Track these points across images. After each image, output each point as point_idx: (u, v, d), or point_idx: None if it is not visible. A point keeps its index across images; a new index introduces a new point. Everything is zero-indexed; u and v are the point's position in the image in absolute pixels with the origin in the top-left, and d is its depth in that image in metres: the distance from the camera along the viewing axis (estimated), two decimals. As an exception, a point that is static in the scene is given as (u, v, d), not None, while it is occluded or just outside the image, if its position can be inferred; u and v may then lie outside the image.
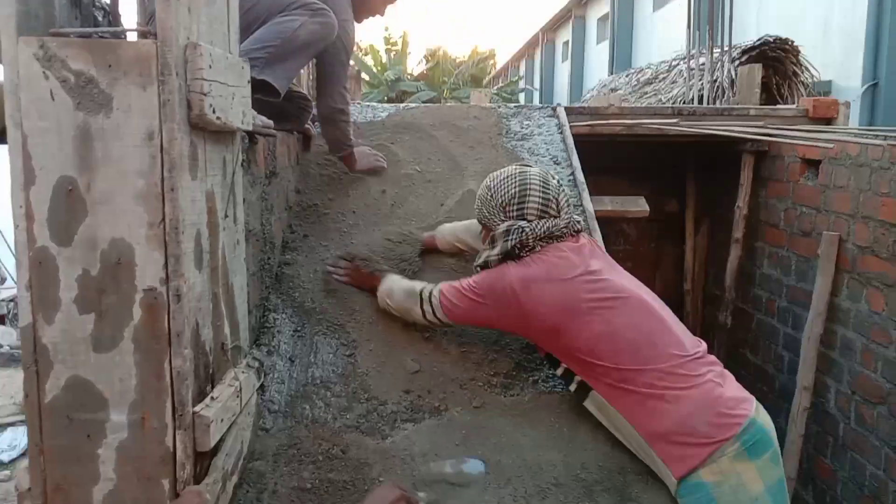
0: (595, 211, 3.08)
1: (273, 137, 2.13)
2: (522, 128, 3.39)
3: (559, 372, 2.09)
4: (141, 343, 1.53)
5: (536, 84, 27.97)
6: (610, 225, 5.04)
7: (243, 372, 1.90)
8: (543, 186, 2.09)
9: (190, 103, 1.52)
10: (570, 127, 3.56)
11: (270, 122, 2.14)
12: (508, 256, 2.07)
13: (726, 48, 5.78)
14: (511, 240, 2.04)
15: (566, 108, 3.57)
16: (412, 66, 26.75)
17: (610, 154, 3.88)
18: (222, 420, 1.67)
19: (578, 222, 2.14)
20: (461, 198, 2.82)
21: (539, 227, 2.04)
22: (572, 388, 2.06)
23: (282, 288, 2.45)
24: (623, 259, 5.05)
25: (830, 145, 3.05)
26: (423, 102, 22.75)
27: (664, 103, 6.06)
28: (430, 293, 2.18)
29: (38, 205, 1.49)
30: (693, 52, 5.57)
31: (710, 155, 3.53)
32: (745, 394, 1.94)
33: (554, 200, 2.08)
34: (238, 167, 1.92)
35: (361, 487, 1.89)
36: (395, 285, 2.29)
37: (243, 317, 1.98)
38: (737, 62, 5.82)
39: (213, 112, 1.59)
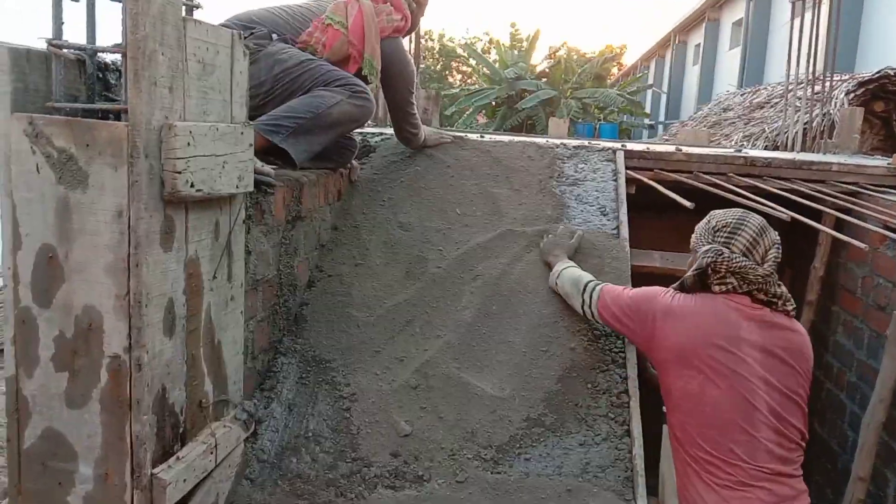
0: (640, 267, 2.95)
1: (272, 188, 2.17)
2: (576, 171, 3.27)
3: None
4: (107, 405, 1.61)
5: (665, 87, 27.00)
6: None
7: (226, 426, 1.95)
8: (760, 231, 2.11)
9: (164, 181, 1.58)
10: (634, 172, 3.42)
11: (271, 172, 2.18)
12: (703, 276, 2.09)
13: (842, 78, 5.34)
14: (707, 258, 2.06)
15: (628, 152, 3.42)
16: (537, 63, 26.51)
17: (690, 191, 3.65)
18: (185, 480, 1.72)
19: (779, 285, 2.06)
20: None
21: (735, 259, 2.04)
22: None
23: (297, 330, 2.50)
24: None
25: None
26: (541, 101, 22.68)
27: (766, 134, 5.69)
28: (594, 288, 2.37)
29: (24, 268, 1.60)
30: (791, 83, 5.14)
31: (791, 205, 3.26)
32: None
33: (762, 248, 2.09)
34: (237, 226, 1.97)
35: (327, 553, 1.91)
36: (566, 271, 2.53)
37: (235, 370, 2.03)
38: (851, 95, 5.38)
39: (192, 186, 1.64)
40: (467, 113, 23.81)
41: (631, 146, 3.59)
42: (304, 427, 2.22)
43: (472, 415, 2.25)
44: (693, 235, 2.24)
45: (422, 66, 35.29)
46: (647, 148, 3.63)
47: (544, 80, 24.91)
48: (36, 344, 1.62)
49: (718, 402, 1.96)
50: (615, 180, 3.21)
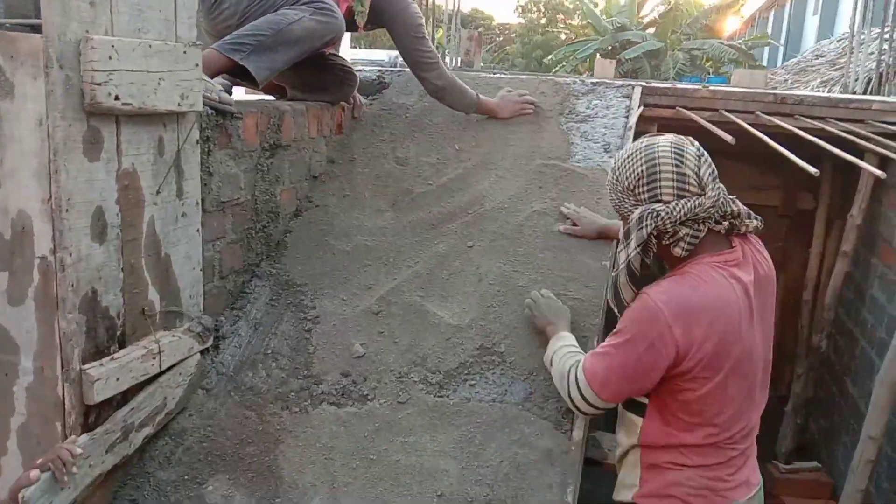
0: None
1: (230, 114, 2.22)
2: (588, 108, 3.16)
3: None
4: (40, 303, 1.73)
5: (783, 38, 25.30)
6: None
7: (175, 336, 2.06)
8: (677, 158, 1.69)
9: (83, 92, 1.66)
10: (653, 109, 3.28)
11: (230, 100, 2.23)
12: (647, 250, 1.71)
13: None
14: (645, 226, 1.67)
15: (649, 89, 3.26)
16: (648, 12, 25.46)
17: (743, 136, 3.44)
18: (118, 379, 1.84)
19: (732, 202, 1.72)
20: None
21: (678, 208, 1.65)
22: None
23: (276, 255, 2.58)
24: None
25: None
26: (646, 53, 21.78)
27: (843, 79, 5.24)
28: (576, 373, 1.82)
29: (-34, 174, 1.73)
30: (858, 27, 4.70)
31: (845, 150, 3.01)
32: (754, 479, 1.83)
33: (693, 175, 1.67)
34: (189, 145, 2.04)
35: (263, 460, 2.00)
36: (556, 356, 1.97)
37: (191, 284, 2.13)
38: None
39: (117, 99, 1.71)
40: (569, 67, 23.21)
41: (655, 83, 3.42)
42: (266, 345, 2.30)
43: (426, 341, 2.26)
44: (610, 201, 1.84)
45: (523, 19, 34.68)
46: (672, 85, 3.44)
47: (651, 30, 23.93)
48: (-20, 245, 1.76)
49: (736, 395, 1.71)
50: (626, 117, 3.08)
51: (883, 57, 4.27)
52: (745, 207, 1.77)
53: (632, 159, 1.74)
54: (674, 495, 1.75)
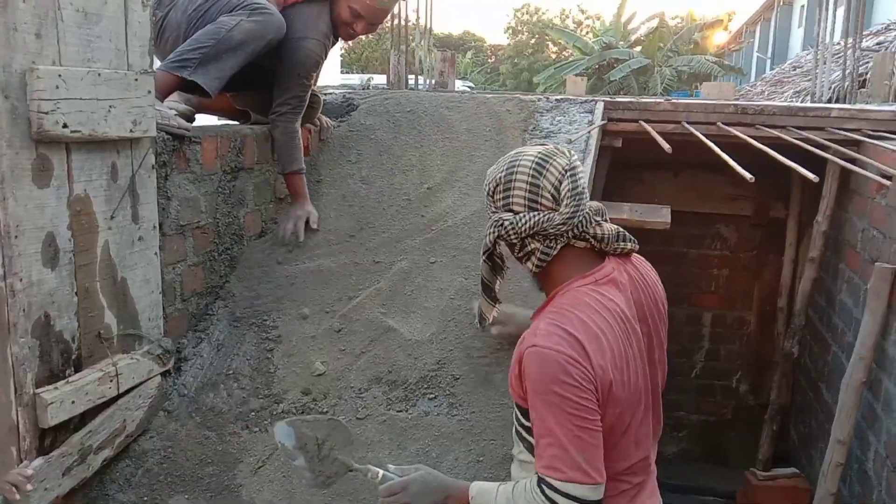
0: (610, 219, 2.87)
1: (187, 139, 2.26)
2: (552, 124, 3.21)
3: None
4: (-8, 328, 1.76)
5: (770, 52, 25.55)
6: (705, 226, 4.61)
7: (133, 359, 2.08)
8: (536, 169, 1.56)
9: (30, 121, 1.69)
10: (618, 123, 3.33)
11: (187, 125, 2.26)
12: (495, 263, 1.66)
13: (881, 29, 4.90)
14: (489, 234, 1.60)
15: (612, 103, 3.31)
16: (633, 30, 25.81)
17: (681, 143, 3.47)
18: (73, 402, 1.86)
19: (597, 224, 1.57)
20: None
21: (523, 221, 1.54)
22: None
23: (240, 276, 2.61)
24: (719, 265, 4.60)
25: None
26: (633, 70, 22.03)
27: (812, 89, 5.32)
28: (542, 487, 1.45)
29: (-81, 204, 1.76)
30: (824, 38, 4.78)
31: (807, 157, 3.04)
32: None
33: (550, 188, 1.54)
34: (144, 170, 2.07)
35: (222, 480, 2.01)
36: (490, 498, 1.57)
37: (150, 307, 2.15)
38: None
39: (65, 126, 1.75)
40: (555, 86, 23.45)
41: (619, 98, 3.48)
42: (228, 366, 2.32)
43: (387, 357, 2.28)
44: None
45: (512, 40, 35.08)
46: (636, 99, 3.50)
47: (638, 48, 24.27)
48: (-66, 273, 1.78)
49: (631, 424, 1.56)
50: (588, 131, 3.13)
51: (848, 67, 4.34)
52: (617, 228, 1.62)
53: (498, 165, 1.65)
54: None
